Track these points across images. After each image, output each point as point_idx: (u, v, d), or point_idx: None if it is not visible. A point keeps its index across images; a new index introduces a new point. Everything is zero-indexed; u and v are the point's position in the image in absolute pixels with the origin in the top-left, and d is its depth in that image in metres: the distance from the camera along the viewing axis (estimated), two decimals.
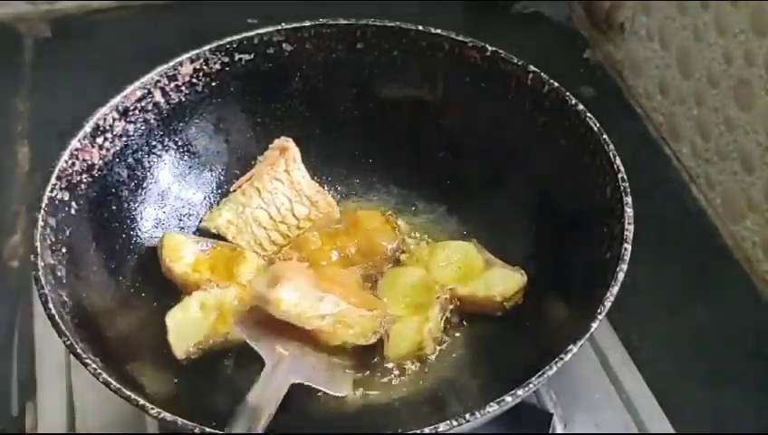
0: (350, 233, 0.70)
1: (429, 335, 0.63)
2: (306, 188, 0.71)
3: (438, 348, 0.64)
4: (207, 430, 0.48)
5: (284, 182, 0.71)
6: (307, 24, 0.71)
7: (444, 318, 0.65)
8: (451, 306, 0.65)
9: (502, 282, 0.65)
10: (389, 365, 0.63)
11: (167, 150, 0.71)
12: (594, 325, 0.52)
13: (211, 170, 0.74)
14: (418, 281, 0.66)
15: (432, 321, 0.63)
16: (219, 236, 0.70)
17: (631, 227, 0.57)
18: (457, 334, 0.65)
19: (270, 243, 0.70)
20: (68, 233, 0.60)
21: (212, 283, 0.65)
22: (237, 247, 0.68)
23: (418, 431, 0.48)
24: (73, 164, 0.63)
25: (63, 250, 0.59)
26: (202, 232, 0.71)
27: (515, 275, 0.65)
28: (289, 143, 0.71)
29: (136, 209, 0.68)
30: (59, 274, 0.58)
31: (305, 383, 0.57)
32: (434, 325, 0.63)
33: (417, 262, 0.67)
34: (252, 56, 0.71)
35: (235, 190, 0.72)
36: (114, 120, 0.66)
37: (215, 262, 0.67)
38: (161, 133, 0.70)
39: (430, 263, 0.67)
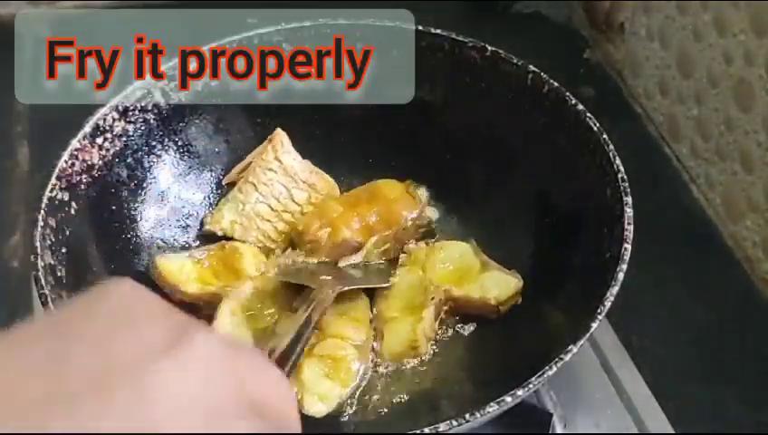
0: (370, 202, 0.70)
1: (423, 335, 0.62)
2: (300, 171, 0.71)
3: (434, 349, 0.64)
4: None
5: (277, 171, 0.70)
6: (307, 23, 0.71)
7: (439, 319, 0.65)
8: (446, 307, 0.65)
9: (497, 285, 0.65)
10: (386, 364, 0.63)
11: (166, 150, 0.71)
12: (594, 325, 0.52)
13: (211, 170, 0.74)
14: (414, 282, 0.65)
15: (426, 321, 0.63)
16: (215, 238, 0.70)
17: (631, 228, 0.57)
18: (456, 335, 0.65)
19: (277, 233, 0.70)
20: (68, 233, 0.60)
21: (225, 287, 0.65)
22: (226, 245, 0.68)
23: (418, 431, 0.48)
24: (73, 164, 0.63)
25: (63, 250, 0.59)
26: (207, 236, 0.71)
27: (512, 279, 0.65)
28: (275, 130, 0.71)
29: (136, 209, 0.68)
30: (59, 274, 0.58)
31: (353, 287, 0.63)
32: (428, 325, 0.63)
33: (414, 262, 0.67)
34: (251, 57, 0.71)
35: (227, 184, 0.72)
36: (114, 120, 0.66)
37: (215, 267, 0.67)
38: (161, 133, 0.70)
39: (427, 263, 0.67)
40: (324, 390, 0.60)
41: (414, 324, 0.63)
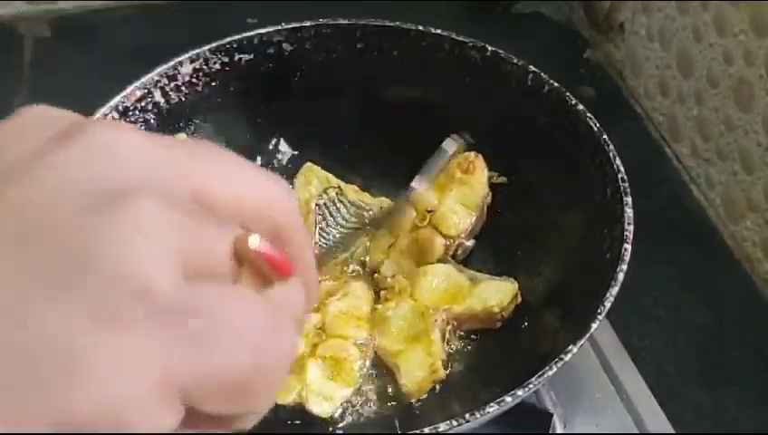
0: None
1: (438, 357, 0.61)
2: None
3: (446, 371, 0.63)
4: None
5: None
6: (307, 23, 0.71)
7: (445, 340, 0.64)
8: (449, 327, 0.64)
9: (496, 293, 0.64)
10: (407, 392, 0.61)
11: None
12: (594, 326, 0.52)
13: None
14: (407, 311, 0.64)
15: (436, 343, 0.62)
16: None
17: (631, 228, 0.57)
18: (458, 347, 0.65)
19: None
20: None
21: None
22: None
23: (418, 431, 0.48)
24: None
25: None
26: None
27: (507, 284, 0.64)
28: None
29: None
30: None
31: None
32: (439, 347, 0.62)
33: (399, 294, 0.65)
34: (252, 56, 0.71)
35: None
36: (114, 120, 0.66)
37: None
38: (161, 133, 0.70)
39: (415, 292, 0.65)
40: (329, 391, 0.60)
41: (426, 349, 0.61)
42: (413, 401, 0.61)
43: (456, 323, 0.64)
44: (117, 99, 0.66)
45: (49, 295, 0.20)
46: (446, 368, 0.62)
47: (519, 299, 0.64)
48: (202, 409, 0.22)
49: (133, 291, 0.21)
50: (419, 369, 0.61)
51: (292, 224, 0.25)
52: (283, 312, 0.24)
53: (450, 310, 0.63)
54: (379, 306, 0.65)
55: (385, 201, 0.73)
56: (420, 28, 0.71)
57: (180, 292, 0.21)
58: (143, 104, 0.68)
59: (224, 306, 0.22)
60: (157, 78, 0.68)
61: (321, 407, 0.59)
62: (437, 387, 0.62)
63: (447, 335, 0.64)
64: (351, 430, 0.60)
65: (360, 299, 0.65)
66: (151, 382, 0.21)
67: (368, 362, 0.62)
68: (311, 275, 0.27)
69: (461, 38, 0.70)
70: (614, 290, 0.53)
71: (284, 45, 0.71)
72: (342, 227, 0.71)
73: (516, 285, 0.64)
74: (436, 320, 0.63)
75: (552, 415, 0.65)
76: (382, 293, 0.66)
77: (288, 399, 0.59)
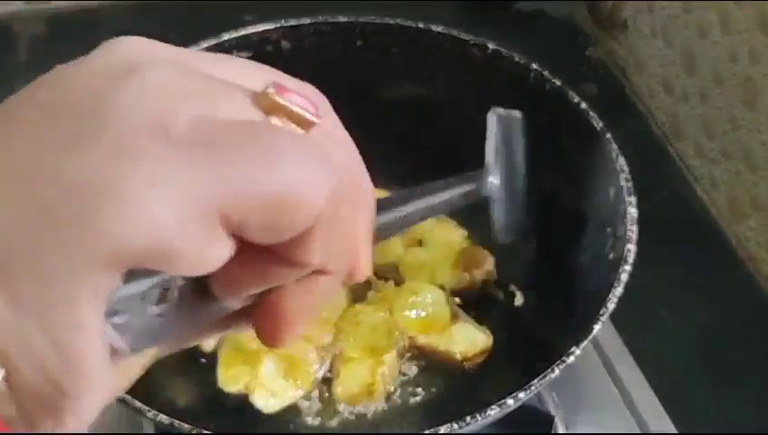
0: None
1: (381, 380, 0.60)
2: None
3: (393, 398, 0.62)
4: (205, 432, 0.48)
5: None
6: (306, 21, 0.71)
7: (400, 366, 0.63)
8: (408, 354, 0.63)
9: (465, 340, 0.62)
10: (336, 399, 0.61)
11: None
12: (597, 327, 0.52)
13: None
14: (379, 323, 0.63)
15: (387, 366, 0.61)
16: None
17: (635, 228, 0.56)
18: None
19: None
20: None
21: None
22: None
23: (419, 432, 0.48)
24: None
25: None
26: None
27: (481, 336, 0.63)
28: None
29: None
30: None
31: None
32: (388, 371, 0.61)
33: (382, 300, 0.64)
34: (250, 54, 0.70)
35: None
36: None
37: None
38: None
39: (395, 304, 0.64)
40: (278, 388, 0.59)
41: (374, 368, 0.61)
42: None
43: (416, 352, 0.63)
44: None
45: (70, 148, 0.22)
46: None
47: (489, 353, 0.63)
48: (247, 233, 0.22)
49: (149, 130, 0.21)
50: (357, 385, 0.60)
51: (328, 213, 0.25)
52: (316, 147, 0.24)
53: (414, 339, 0.62)
54: (357, 306, 0.64)
55: None
56: (421, 26, 0.70)
57: (199, 125, 0.22)
58: None
59: (248, 132, 0.23)
60: None
61: (265, 402, 0.58)
62: (438, 388, 0.61)
63: (404, 361, 0.63)
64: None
65: (333, 302, 0.64)
66: (188, 206, 0.21)
67: (325, 368, 0.61)
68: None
69: (462, 36, 0.69)
70: (617, 291, 0.53)
71: (283, 43, 0.71)
72: None
73: (491, 339, 0.63)
74: (397, 343, 0.62)
75: (554, 417, 0.64)
76: (369, 294, 0.66)
77: (234, 387, 0.59)
